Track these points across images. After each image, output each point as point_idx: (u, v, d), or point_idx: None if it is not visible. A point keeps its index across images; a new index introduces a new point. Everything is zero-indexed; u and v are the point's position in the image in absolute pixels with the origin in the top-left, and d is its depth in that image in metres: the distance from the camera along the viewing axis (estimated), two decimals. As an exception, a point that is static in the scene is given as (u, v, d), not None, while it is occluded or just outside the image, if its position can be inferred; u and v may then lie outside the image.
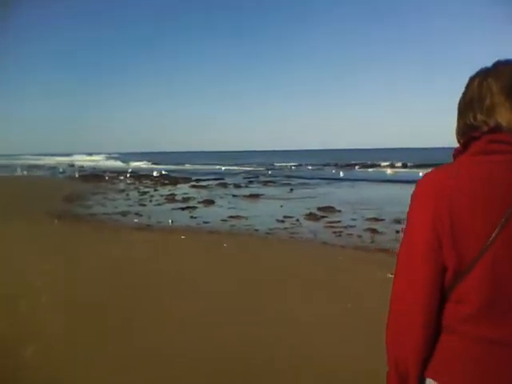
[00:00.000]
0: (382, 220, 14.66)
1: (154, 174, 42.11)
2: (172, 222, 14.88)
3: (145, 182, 34.09)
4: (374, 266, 9.02)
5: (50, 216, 15.78)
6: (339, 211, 16.80)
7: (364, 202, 20.10)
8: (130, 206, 19.43)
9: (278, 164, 61.49)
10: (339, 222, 14.51)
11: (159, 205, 19.81)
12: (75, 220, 15.56)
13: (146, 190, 27.06)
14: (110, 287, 7.64)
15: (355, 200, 20.56)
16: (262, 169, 54.70)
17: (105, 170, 50.41)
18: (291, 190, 25.60)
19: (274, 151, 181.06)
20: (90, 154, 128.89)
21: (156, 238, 12.42)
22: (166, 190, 26.67)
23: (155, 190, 26.76)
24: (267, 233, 12.84)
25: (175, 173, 45.72)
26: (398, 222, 14.41)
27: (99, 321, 5.92)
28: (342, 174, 41.86)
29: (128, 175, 40.34)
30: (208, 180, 34.31)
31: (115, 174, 41.39)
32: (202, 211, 17.66)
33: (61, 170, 55.07)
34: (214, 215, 16.35)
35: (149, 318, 6.07)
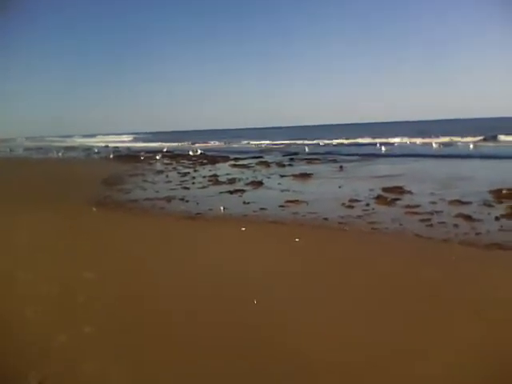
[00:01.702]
0: (469, 203, 12.29)
1: (190, 153, 40.24)
2: (224, 208, 12.87)
3: (182, 161, 32.22)
4: (505, 270, 6.83)
5: (88, 203, 14.01)
6: (410, 192, 14.46)
7: (429, 179, 17.67)
8: (173, 189, 17.52)
9: (309, 141, 58.09)
10: (418, 206, 12.21)
11: (204, 188, 17.83)
12: (116, 207, 13.75)
13: (186, 170, 25.17)
14: (194, 297, 5.84)
15: (418, 178, 18.11)
16: (296, 144, 52.22)
17: (139, 150, 48.84)
18: (341, 167, 23.24)
19: (294, 127, 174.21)
20: (119, 135, 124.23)
21: (212, 229, 10.51)
22: (206, 171, 24.73)
23: (195, 171, 24.84)
24: (340, 222, 10.68)
25: (210, 151, 43.72)
26: (488, 205, 12.07)
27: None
28: (383, 149, 39.08)
29: (164, 155, 38.58)
30: (247, 158, 32.15)
31: (151, 154, 39.65)
32: (253, 195, 15.59)
33: (96, 150, 53.77)
34: (269, 200, 14.26)
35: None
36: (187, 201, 14.63)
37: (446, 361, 4.42)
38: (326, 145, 49.66)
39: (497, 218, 10.51)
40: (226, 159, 32.61)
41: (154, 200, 14.92)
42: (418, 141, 46.68)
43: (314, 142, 54.74)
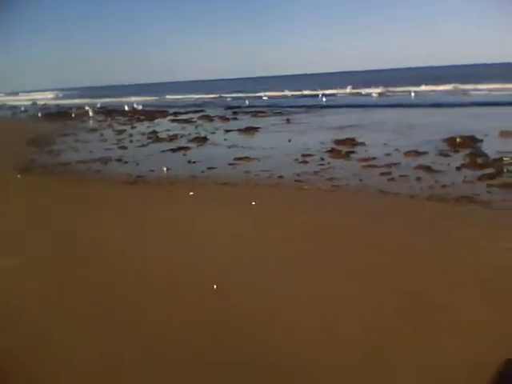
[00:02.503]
0: (425, 153, 11.79)
1: (126, 108, 37.84)
2: (167, 169, 11.67)
3: (117, 118, 30.12)
4: (483, 228, 6.25)
5: (12, 169, 12.35)
6: (362, 144, 13.82)
7: (378, 130, 17.17)
8: (109, 149, 15.98)
9: (250, 93, 55.97)
10: (374, 158, 11.58)
11: (143, 146, 16.40)
12: (44, 172, 12.20)
13: (122, 127, 23.34)
14: (140, 280, 4.78)
15: (366, 128, 17.55)
16: (236, 97, 50.58)
17: (70, 107, 45.49)
18: (288, 120, 22.28)
19: (232, 79, 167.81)
20: (43, 92, 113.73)
21: (156, 195, 9.32)
22: (144, 127, 23.07)
23: (132, 128, 23.12)
24: (297, 180, 9.83)
25: (147, 106, 41.38)
26: (445, 154, 11.62)
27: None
28: (324, 99, 38.55)
29: (97, 112, 36.02)
30: (188, 113, 30.51)
31: (82, 111, 36.90)
32: (199, 152, 14.41)
33: (22, 109, 49.64)
34: (216, 157, 13.17)
35: None
36: (126, 162, 13.27)
37: (455, 349, 3.70)
38: (269, 97, 48.27)
39: (458, 168, 10.04)
40: (164, 114, 30.81)
41: (88, 162, 13.43)
42: (363, 91, 46.18)
43: (256, 94, 53.21)
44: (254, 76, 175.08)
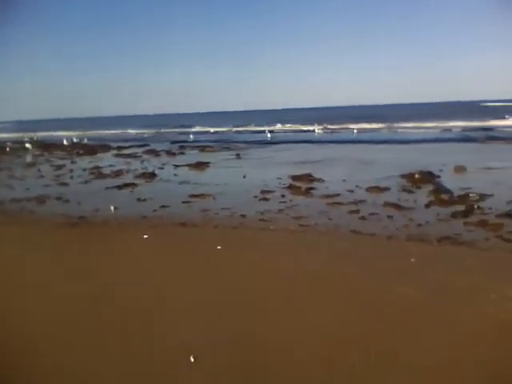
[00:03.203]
0: (388, 189, 11.36)
1: (65, 142, 35.76)
2: (115, 208, 10.48)
3: (56, 152, 28.20)
4: (479, 273, 5.63)
5: None
6: (320, 180, 13.24)
7: (331, 165, 16.79)
8: (47, 185, 14.51)
9: (194, 128, 54.81)
10: (338, 195, 10.98)
11: (86, 182, 15.03)
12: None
13: (61, 162, 21.67)
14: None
15: (319, 163, 17.12)
16: (176, 132, 49.58)
17: (4, 141, 42.54)
18: (238, 155, 21.54)
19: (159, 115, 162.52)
20: None
21: (104, 239, 8.10)
22: (86, 162, 21.52)
23: (72, 163, 21.53)
24: (262, 219, 8.97)
25: (87, 140, 39.42)
26: (408, 190, 11.23)
27: None
28: (269, 135, 38.37)
29: (34, 146, 33.76)
30: (132, 147, 29.16)
31: (18, 145, 34.45)
32: (148, 189, 13.28)
33: None
34: (168, 194, 12.11)
35: None
36: (66, 200, 11.89)
37: None
38: (214, 132, 47.62)
39: (427, 206, 9.59)
40: (107, 148, 29.23)
41: (22, 201, 11.91)
42: (306, 127, 46.55)
43: (200, 129, 52.48)
44: (195, 112, 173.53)
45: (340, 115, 69.51)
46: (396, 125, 41.61)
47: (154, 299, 5.38)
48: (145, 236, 8.02)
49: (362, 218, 8.80)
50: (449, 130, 34.54)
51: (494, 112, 55.36)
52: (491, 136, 26.84)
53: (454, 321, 4.59)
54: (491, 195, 10.01)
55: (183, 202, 10.93)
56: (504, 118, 39.99)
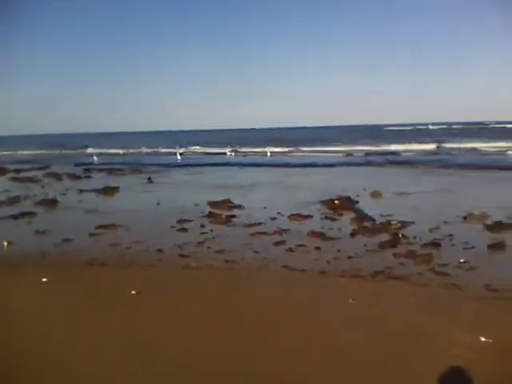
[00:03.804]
0: (310, 217, 10.96)
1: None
2: (8, 244, 8.99)
3: None
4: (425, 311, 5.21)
5: None
6: (240, 206, 12.58)
7: (248, 190, 16.23)
8: None
9: (98, 149, 51.62)
10: (260, 223, 10.37)
11: (-27, 212, 13.02)
12: None
13: None
14: None
15: (236, 189, 16.48)
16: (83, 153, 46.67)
17: None
18: (149, 179, 20.26)
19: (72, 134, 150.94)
20: None
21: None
22: (-25, 187, 19.02)
23: (-41, 188, 18.91)
24: (181, 255, 8.06)
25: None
26: (331, 218, 10.91)
27: None
28: (179, 158, 37.31)
29: None
30: (31, 170, 26.60)
31: None
32: (49, 219, 11.78)
33: None
34: (72, 225, 10.78)
35: None
36: None
37: None
38: (123, 154, 45.36)
39: (352, 235, 9.24)
40: (1, 171, 26.39)
41: None
42: (216, 150, 45.88)
43: (108, 150, 49.81)
44: (101, 131, 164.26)
45: (248, 138, 69.92)
46: (304, 148, 42.43)
47: (51, 360, 4.29)
48: (43, 279, 6.77)
49: (290, 249, 8.22)
50: (355, 153, 35.66)
51: (396, 136, 58.98)
52: (396, 160, 28.05)
53: (400, 370, 4.07)
54: (412, 222, 9.93)
55: (90, 235, 9.68)
56: (406, 143, 42.40)
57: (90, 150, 50.47)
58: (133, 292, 6.19)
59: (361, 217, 10.78)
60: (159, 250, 8.32)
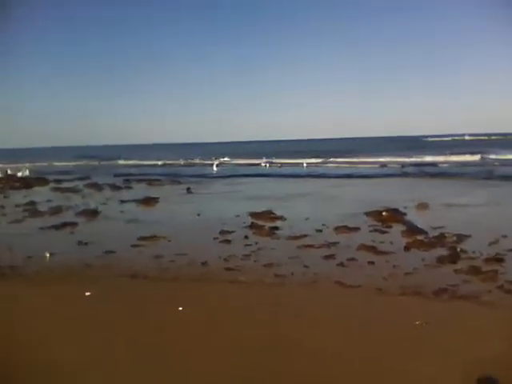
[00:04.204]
0: (357, 229, 10.42)
1: (-2, 174, 32.76)
2: (50, 255, 8.82)
3: (-15, 186, 25.43)
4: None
5: None
6: (282, 218, 12.14)
7: (288, 201, 15.76)
8: (-29, 225, 12.42)
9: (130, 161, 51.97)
10: (305, 236, 9.91)
11: (18, 222, 13.04)
12: None
13: (-9, 197, 19.28)
14: None
15: (276, 200, 16.03)
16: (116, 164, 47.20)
17: None
18: (188, 189, 20.09)
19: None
20: None
21: (34, 295, 6.46)
22: (20, 196, 19.31)
23: (5, 197, 19.23)
24: (228, 268, 7.67)
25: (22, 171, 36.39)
26: (380, 230, 10.33)
27: None
28: (215, 169, 37.25)
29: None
30: (72, 180, 26.96)
31: None
32: (91, 229, 11.62)
33: None
34: (114, 236, 10.60)
35: None
36: (-7, 244, 10.01)
37: None
38: (161, 165, 45.64)
39: (406, 249, 8.64)
40: (43, 182, 26.81)
41: None
42: (252, 161, 45.57)
43: (138, 162, 50.18)
44: (120, 143, 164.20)
45: (280, 149, 69.42)
46: (339, 159, 41.59)
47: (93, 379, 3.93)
48: (87, 293, 6.49)
49: (341, 264, 7.70)
50: (391, 164, 34.62)
51: (435, 147, 57.47)
52: (437, 172, 27.02)
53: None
54: (468, 236, 9.26)
55: (132, 246, 9.43)
56: (445, 154, 41.07)
57: (121, 162, 51.12)
58: (180, 309, 5.81)
59: (412, 229, 10.15)
60: (203, 264, 7.95)
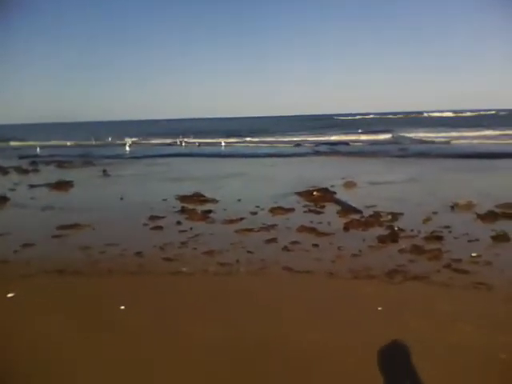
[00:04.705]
0: (292, 210, 10.23)
1: None
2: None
3: None
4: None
5: None
6: (214, 200, 11.61)
7: (210, 181, 15.22)
8: None
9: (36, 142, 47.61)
10: (242, 219, 9.51)
11: None
12: None
13: None
14: None
15: (197, 181, 15.40)
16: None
17: None
18: (105, 171, 18.69)
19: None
20: None
21: None
22: None
23: None
24: (166, 258, 7.02)
25: None
26: (314, 211, 10.22)
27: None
28: (128, 149, 35.49)
29: None
30: (-31, 163, 24.14)
31: None
32: (0, 219, 10.26)
33: None
34: (30, 226, 9.43)
35: None
36: None
37: None
38: (70, 145, 42.45)
39: (345, 229, 8.53)
40: None
41: None
42: (168, 141, 43.97)
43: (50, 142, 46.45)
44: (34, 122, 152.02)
45: (197, 128, 68.19)
46: (255, 139, 41.56)
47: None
48: (9, 295, 5.57)
49: (286, 248, 7.38)
50: (306, 143, 35.13)
51: (347, 126, 59.55)
52: (351, 151, 27.78)
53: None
54: (401, 214, 9.39)
55: (53, 237, 8.40)
56: (357, 133, 42.55)
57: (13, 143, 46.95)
58: (122, 307, 5.14)
59: (346, 209, 10.13)
60: (138, 254, 7.24)
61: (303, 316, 4.92)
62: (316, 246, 7.48)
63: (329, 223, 9.00)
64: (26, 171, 19.91)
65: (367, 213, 9.64)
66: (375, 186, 13.36)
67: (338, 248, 7.32)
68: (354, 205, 10.38)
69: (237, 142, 39.41)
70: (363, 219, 9.14)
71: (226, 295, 5.57)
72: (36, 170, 20.37)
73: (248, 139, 41.57)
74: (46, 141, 46.09)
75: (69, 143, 43.88)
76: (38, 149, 35.61)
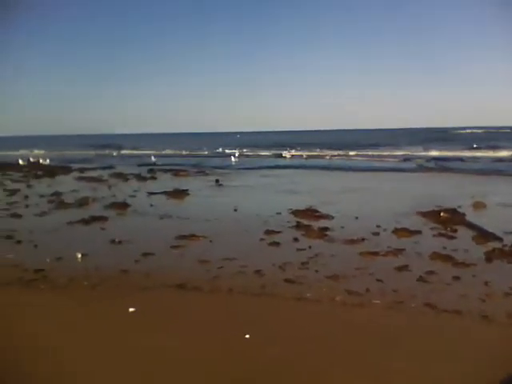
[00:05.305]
0: (418, 232, 9.12)
1: (20, 162, 31.99)
2: (82, 256, 7.71)
3: (9, 173, 24.59)
4: None
5: None
6: (329, 216, 10.91)
7: (327, 195, 14.45)
8: (-5, 217, 11.41)
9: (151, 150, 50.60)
10: (363, 240, 8.67)
11: (44, 214, 11.98)
12: None
13: (15, 186, 18.28)
14: None
15: (315, 194, 14.74)
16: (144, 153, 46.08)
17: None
18: (217, 181, 18.88)
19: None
20: None
21: (65, 312, 5.35)
22: (44, 186, 18.36)
23: (29, 186, 18.23)
24: (287, 280, 6.46)
25: (46, 160, 35.59)
26: (444, 235, 9.03)
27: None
28: (234, 160, 35.82)
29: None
30: (96, 169, 26.01)
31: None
32: (123, 225, 10.54)
33: None
34: (149, 234, 9.45)
35: None
36: (19, 241, 8.95)
37: None
38: (184, 155, 44.44)
39: (488, 260, 7.33)
40: (67, 170, 25.95)
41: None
42: (274, 152, 44.10)
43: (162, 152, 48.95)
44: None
45: (296, 141, 67.68)
46: (368, 152, 39.94)
47: None
48: (130, 309, 5.35)
49: (422, 279, 6.44)
50: (414, 158, 32.78)
51: (459, 140, 55.52)
52: (469, 168, 25.36)
53: None
54: (554, 244, 7.93)
55: (171, 247, 8.27)
56: (472, 148, 39.24)
57: (152, 152, 50.00)
58: (247, 336, 4.64)
59: (483, 234, 8.84)
60: (258, 272, 6.77)
61: (460, 367, 4.02)
62: (457, 278, 6.43)
63: (466, 251, 7.84)
64: (144, 178, 20.79)
65: (508, 240, 8.30)
66: (509, 208, 11.71)
67: (485, 283, 6.21)
68: (490, 230, 9.04)
69: (342, 156, 38.24)
70: (507, 248, 7.84)
71: (358, 330, 4.83)
72: (153, 178, 21.18)
73: (353, 153, 40.15)
74: (161, 150, 48.75)
75: (184, 152, 45.86)
76: (152, 157, 37.50)
